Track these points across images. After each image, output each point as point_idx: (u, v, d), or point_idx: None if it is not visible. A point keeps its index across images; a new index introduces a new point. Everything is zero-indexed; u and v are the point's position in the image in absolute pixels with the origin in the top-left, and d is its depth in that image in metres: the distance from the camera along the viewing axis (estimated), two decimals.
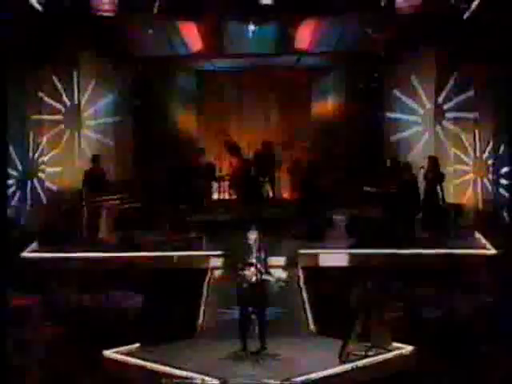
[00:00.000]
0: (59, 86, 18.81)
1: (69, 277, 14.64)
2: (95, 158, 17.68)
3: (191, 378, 10.74)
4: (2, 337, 11.53)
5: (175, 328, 12.78)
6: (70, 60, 18.83)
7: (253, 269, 11.80)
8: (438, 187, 17.09)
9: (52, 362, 11.41)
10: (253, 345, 11.84)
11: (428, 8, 16.65)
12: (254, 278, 11.80)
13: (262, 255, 11.99)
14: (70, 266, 15.37)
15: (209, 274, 15.37)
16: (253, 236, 12.07)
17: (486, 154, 18.15)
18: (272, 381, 10.56)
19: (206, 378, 10.72)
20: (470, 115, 18.37)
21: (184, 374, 11.02)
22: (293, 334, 12.87)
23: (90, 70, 19.25)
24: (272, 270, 12.41)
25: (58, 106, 18.90)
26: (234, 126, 20.55)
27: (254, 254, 11.94)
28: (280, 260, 15.03)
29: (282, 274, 14.46)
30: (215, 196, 19.70)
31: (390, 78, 19.81)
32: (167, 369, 11.25)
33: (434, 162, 17.28)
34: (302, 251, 15.82)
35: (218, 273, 15.52)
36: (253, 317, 11.97)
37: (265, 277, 11.90)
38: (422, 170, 17.26)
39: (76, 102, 19.09)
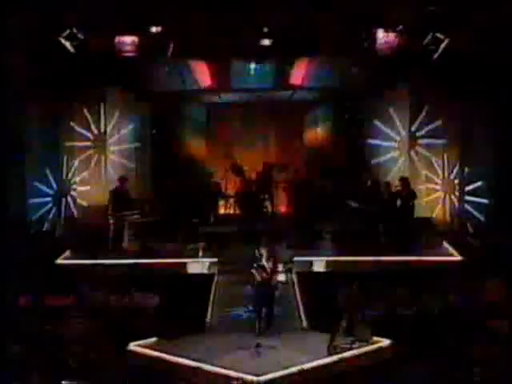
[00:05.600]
0: (88, 117, 19.00)
1: (97, 280, 14.71)
2: (122, 179, 17.63)
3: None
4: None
5: (187, 324, 12.85)
6: (98, 95, 18.98)
7: (260, 271, 12.50)
8: (411, 203, 17.04)
9: (84, 352, 11.53)
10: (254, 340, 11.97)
11: (403, 49, 16.73)
12: (260, 278, 12.50)
13: (271, 261, 12.65)
14: (98, 271, 15.47)
15: (216, 277, 15.46)
16: (265, 246, 12.81)
17: (452, 175, 18.33)
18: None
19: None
20: (439, 141, 18.56)
21: (194, 363, 11.11)
22: (288, 330, 12.99)
23: (114, 103, 19.31)
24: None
25: (88, 134, 19.06)
26: (238, 151, 20.42)
27: (264, 260, 12.59)
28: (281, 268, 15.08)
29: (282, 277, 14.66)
30: (222, 211, 19.66)
31: (371, 110, 19.82)
32: (180, 359, 11.37)
33: (405, 183, 17.24)
34: (296, 258, 15.90)
35: (223, 276, 15.58)
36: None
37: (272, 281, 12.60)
38: (398, 188, 17.28)
39: (102, 131, 19.20)
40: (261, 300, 12.67)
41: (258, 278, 12.62)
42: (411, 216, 17.12)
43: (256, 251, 12.88)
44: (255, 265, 12.65)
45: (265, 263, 12.63)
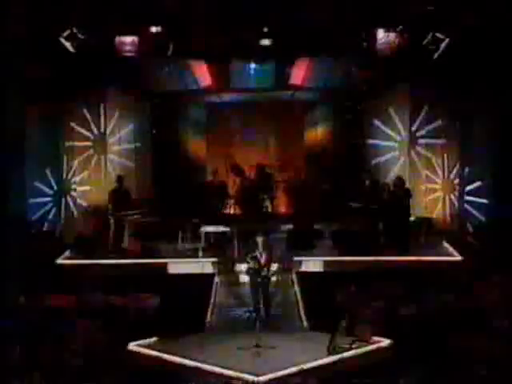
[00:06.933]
0: (88, 117, 18.94)
1: (97, 280, 14.68)
2: (119, 179, 17.67)
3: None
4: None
5: (187, 324, 12.82)
6: (98, 95, 18.97)
7: (255, 260, 12.90)
8: (406, 202, 16.96)
9: (85, 352, 11.52)
10: (253, 340, 11.88)
11: (403, 49, 16.76)
12: (253, 267, 12.85)
13: (265, 253, 13.00)
14: (98, 271, 15.50)
15: (216, 277, 15.47)
16: (259, 239, 13.12)
17: (452, 175, 18.35)
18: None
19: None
20: (439, 141, 18.58)
21: (195, 364, 11.08)
22: (288, 330, 12.98)
23: (114, 103, 19.29)
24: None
25: (88, 134, 19.00)
26: (238, 151, 20.44)
27: (259, 251, 12.96)
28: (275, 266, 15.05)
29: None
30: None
31: (371, 110, 19.83)
32: (180, 359, 11.34)
33: (401, 182, 17.17)
34: (296, 258, 15.91)
35: (223, 276, 15.57)
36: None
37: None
38: (391, 188, 17.25)
39: (102, 131, 19.17)
40: (255, 291, 12.88)
41: (251, 266, 12.90)
42: (408, 215, 17.10)
43: (251, 242, 13.24)
44: (249, 255, 12.95)
45: (258, 254, 12.90)
